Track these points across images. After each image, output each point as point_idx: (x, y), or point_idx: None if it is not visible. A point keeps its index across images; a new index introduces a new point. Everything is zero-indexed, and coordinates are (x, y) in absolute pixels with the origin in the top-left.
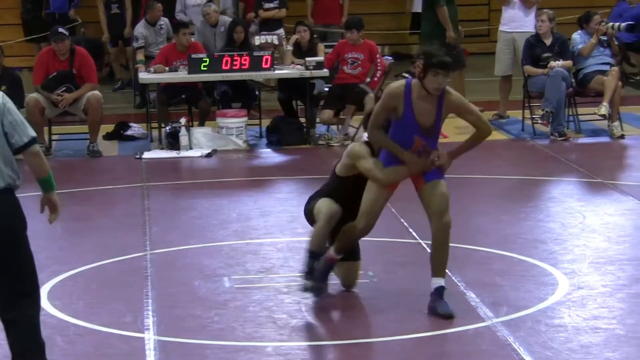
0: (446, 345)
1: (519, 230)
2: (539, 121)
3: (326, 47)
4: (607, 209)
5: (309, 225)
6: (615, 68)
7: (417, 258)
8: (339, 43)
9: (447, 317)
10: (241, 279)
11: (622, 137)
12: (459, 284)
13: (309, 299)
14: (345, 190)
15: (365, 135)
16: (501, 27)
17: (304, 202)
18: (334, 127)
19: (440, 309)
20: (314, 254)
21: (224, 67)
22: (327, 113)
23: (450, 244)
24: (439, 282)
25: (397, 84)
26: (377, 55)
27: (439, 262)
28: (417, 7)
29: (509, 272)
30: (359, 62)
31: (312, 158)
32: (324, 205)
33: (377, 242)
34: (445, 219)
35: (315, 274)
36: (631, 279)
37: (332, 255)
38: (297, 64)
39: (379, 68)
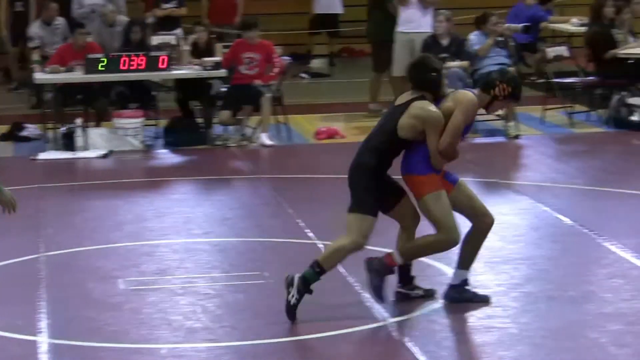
0: (341, 346)
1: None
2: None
3: (223, 47)
4: (502, 208)
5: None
6: (511, 68)
7: (312, 258)
8: (236, 43)
9: (487, 301)
10: (136, 280)
11: (517, 137)
12: (355, 285)
13: (204, 300)
14: (396, 151)
15: (264, 137)
16: (399, 28)
17: (200, 203)
18: (231, 127)
19: (478, 296)
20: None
21: (121, 67)
22: (225, 114)
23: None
24: (467, 274)
25: (474, 96)
26: (274, 55)
27: (473, 256)
28: (321, 9)
29: None
30: (256, 62)
31: (209, 159)
32: (363, 232)
33: (273, 242)
34: (491, 215)
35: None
36: (525, 278)
37: (394, 261)
38: (195, 64)
39: (276, 67)
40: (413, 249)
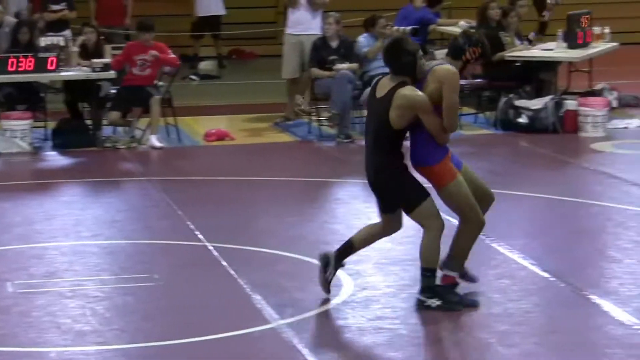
0: (231, 348)
1: (304, 232)
2: (326, 123)
3: (112, 49)
4: None
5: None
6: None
7: (202, 260)
8: (129, 45)
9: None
10: (24, 283)
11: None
12: (245, 286)
13: (93, 303)
14: (401, 138)
15: (154, 138)
16: (288, 30)
17: (89, 205)
18: (120, 129)
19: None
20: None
21: (9, 69)
22: (114, 114)
23: (236, 246)
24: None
25: (454, 69)
26: (169, 52)
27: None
28: (202, 11)
29: (293, 274)
30: (149, 64)
31: (98, 160)
32: (434, 214)
33: (163, 244)
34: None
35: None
36: (414, 279)
37: (454, 276)
38: (83, 66)
39: (174, 61)
40: (460, 255)
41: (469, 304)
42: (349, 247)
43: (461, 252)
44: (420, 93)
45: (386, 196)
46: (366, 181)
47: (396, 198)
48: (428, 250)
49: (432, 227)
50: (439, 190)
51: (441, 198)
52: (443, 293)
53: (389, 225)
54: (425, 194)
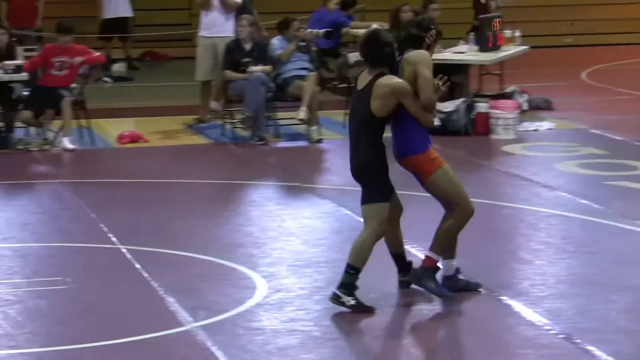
0: (145, 351)
1: (218, 234)
2: (239, 125)
3: (25, 50)
4: (305, 212)
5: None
6: (313, 73)
7: (116, 263)
8: (47, 47)
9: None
10: None
11: (320, 141)
12: (159, 289)
13: (5, 306)
14: (382, 129)
15: (66, 140)
16: (201, 32)
17: (0, 207)
18: (33, 131)
19: (471, 284)
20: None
21: None
22: (27, 113)
23: (150, 249)
24: (455, 262)
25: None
26: (91, 52)
27: (454, 242)
28: (109, 13)
29: (207, 276)
30: (67, 65)
31: (10, 163)
32: (384, 219)
33: (76, 247)
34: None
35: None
36: (327, 281)
37: (435, 260)
38: None
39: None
40: (443, 240)
41: (440, 293)
42: (400, 257)
43: (445, 237)
44: (399, 79)
45: (368, 186)
46: (283, 183)
47: (374, 188)
48: (361, 249)
49: (375, 229)
50: (425, 180)
51: (427, 187)
52: (422, 276)
53: (393, 213)
54: (389, 197)
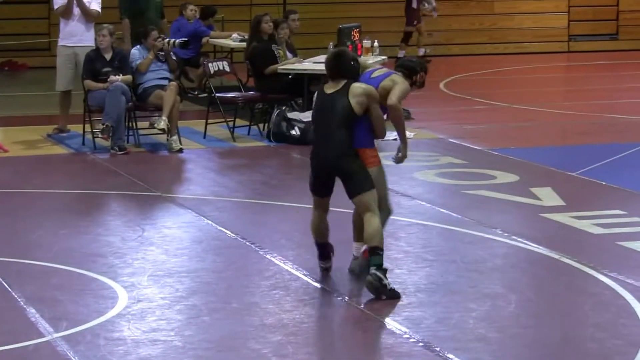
0: None
1: (77, 244)
2: (100, 135)
3: None
4: (166, 221)
5: None
6: (174, 83)
7: None
8: None
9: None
10: None
11: (180, 150)
12: (19, 300)
13: None
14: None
15: None
16: (61, 42)
17: None
18: None
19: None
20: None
21: None
22: None
23: (9, 259)
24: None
25: None
26: None
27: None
28: None
29: (68, 286)
30: None
31: None
32: (377, 200)
33: None
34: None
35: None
36: (189, 291)
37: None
38: None
39: None
40: (376, 234)
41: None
42: (324, 246)
43: (378, 234)
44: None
45: (353, 178)
46: (144, 193)
47: (361, 179)
48: (378, 231)
49: (376, 211)
50: None
51: None
52: (383, 273)
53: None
54: (374, 185)
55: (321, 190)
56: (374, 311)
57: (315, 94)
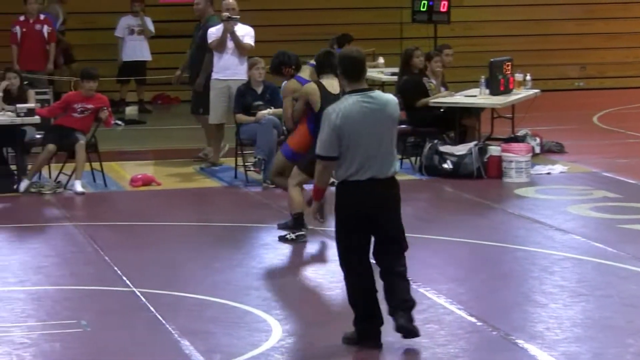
0: None
1: (231, 277)
2: (252, 168)
3: (36, 93)
4: (320, 255)
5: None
6: None
7: (130, 306)
8: (69, 95)
9: None
10: None
11: (332, 184)
12: (173, 332)
13: (20, 349)
14: None
15: (77, 184)
16: (215, 75)
17: (14, 250)
18: (45, 174)
19: None
20: None
21: None
22: (52, 146)
23: (163, 292)
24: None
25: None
26: (107, 108)
27: None
28: (127, 57)
29: (221, 319)
30: (89, 112)
31: (22, 206)
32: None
33: (90, 290)
34: None
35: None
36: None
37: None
38: (8, 111)
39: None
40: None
41: None
42: None
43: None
44: None
45: None
46: None
47: None
48: None
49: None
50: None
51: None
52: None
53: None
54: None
55: None
56: (530, 346)
57: None
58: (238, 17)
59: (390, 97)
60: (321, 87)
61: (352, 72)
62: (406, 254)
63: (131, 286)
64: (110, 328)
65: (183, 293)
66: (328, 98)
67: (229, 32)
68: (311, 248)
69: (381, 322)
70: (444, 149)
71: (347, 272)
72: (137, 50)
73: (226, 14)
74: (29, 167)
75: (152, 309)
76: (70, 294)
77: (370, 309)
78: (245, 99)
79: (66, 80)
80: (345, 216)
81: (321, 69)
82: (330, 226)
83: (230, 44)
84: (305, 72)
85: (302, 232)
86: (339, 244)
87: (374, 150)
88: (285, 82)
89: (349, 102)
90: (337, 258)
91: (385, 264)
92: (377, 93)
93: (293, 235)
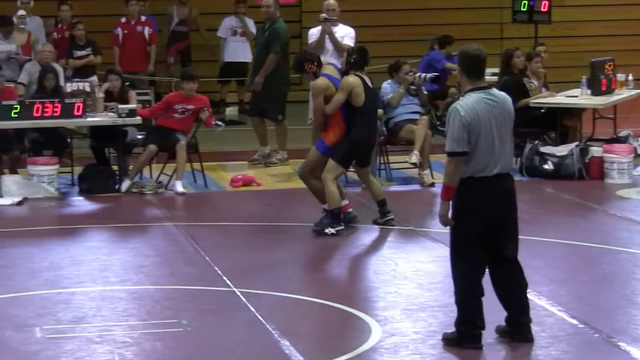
0: None
1: (331, 278)
2: (350, 169)
3: (137, 94)
4: (419, 256)
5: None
6: (425, 117)
7: (230, 306)
8: (170, 96)
9: None
10: (53, 329)
11: (432, 185)
12: (273, 332)
13: (121, 348)
14: None
15: (178, 184)
16: None
17: (115, 250)
18: (147, 175)
19: None
20: None
21: (35, 114)
22: (153, 147)
23: (264, 292)
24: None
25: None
26: (209, 109)
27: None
28: (229, 57)
29: (321, 319)
30: (189, 113)
31: (124, 206)
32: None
33: (190, 289)
34: None
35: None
36: (442, 326)
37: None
38: (110, 112)
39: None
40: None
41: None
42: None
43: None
44: None
45: None
46: (397, 227)
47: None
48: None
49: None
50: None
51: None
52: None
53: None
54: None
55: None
56: (633, 349)
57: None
58: (335, 18)
59: (506, 95)
60: (363, 81)
61: (474, 70)
62: None
63: (231, 286)
64: (210, 327)
65: (283, 293)
66: (369, 91)
67: (327, 33)
68: (410, 249)
69: (483, 327)
70: (544, 149)
71: (459, 272)
72: (238, 51)
73: (323, 15)
74: (131, 167)
75: (252, 308)
76: (170, 294)
77: (476, 313)
78: None
79: (166, 80)
80: (470, 213)
81: (357, 65)
82: (437, 227)
83: (329, 46)
84: (328, 70)
85: (342, 227)
86: (456, 242)
87: (499, 146)
88: (313, 81)
89: (474, 99)
90: (435, 259)
91: (504, 265)
92: (495, 91)
93: (333, 230)
